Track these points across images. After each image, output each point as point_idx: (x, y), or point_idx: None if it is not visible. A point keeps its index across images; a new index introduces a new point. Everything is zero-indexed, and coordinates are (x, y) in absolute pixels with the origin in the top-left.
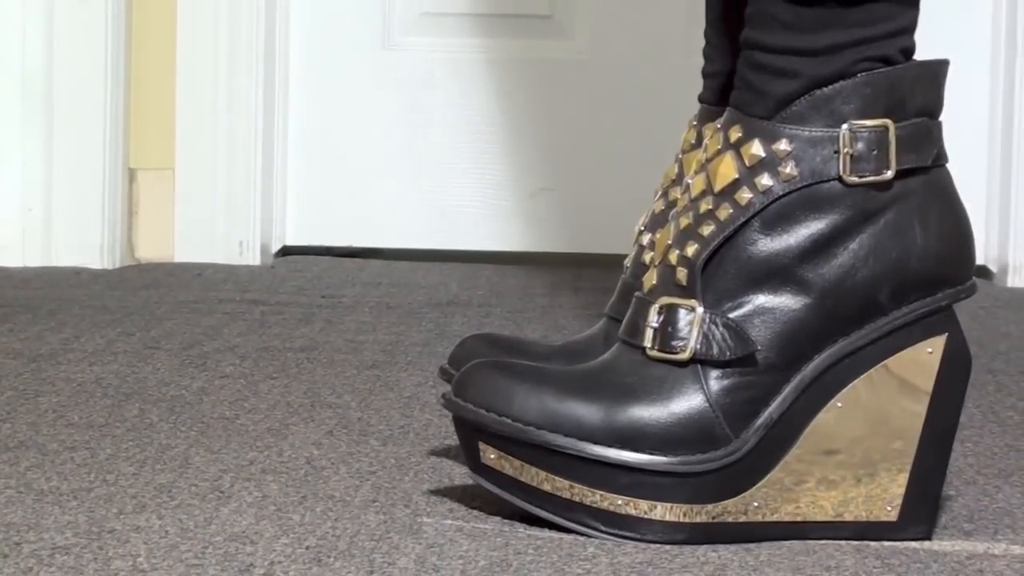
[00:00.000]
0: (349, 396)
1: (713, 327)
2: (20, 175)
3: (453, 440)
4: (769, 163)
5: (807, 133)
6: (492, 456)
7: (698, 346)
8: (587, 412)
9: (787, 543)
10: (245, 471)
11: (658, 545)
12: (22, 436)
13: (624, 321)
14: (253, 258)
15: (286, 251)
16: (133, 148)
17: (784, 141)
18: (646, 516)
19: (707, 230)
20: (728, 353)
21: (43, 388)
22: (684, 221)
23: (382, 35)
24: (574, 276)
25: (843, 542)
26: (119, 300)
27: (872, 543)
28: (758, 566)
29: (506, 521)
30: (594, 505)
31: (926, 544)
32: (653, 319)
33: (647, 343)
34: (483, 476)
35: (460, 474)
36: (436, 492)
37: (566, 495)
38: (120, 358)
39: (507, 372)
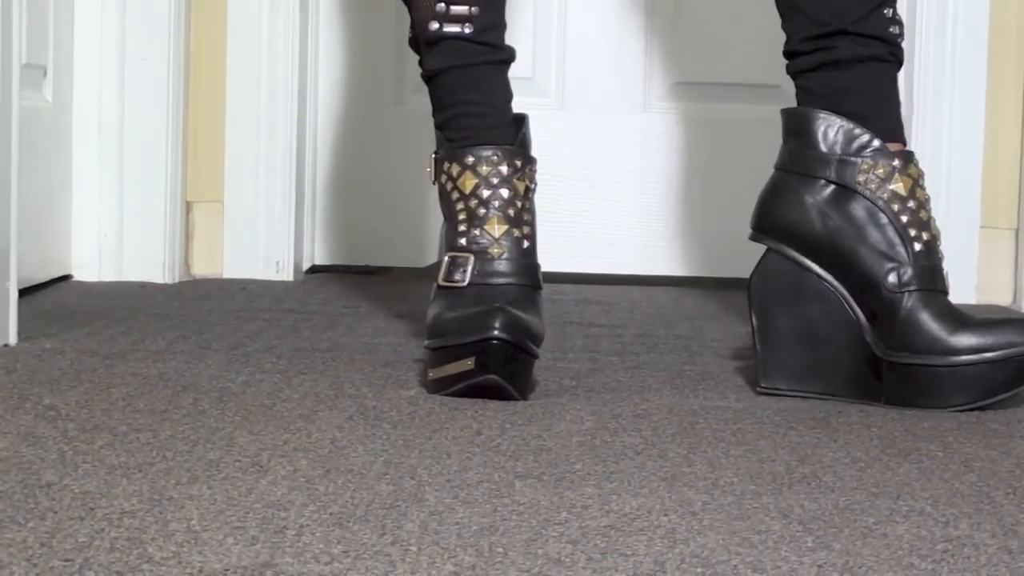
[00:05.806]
0: (366, 388)
1: None
2: (97, 206)
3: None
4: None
5: None
6: None
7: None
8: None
9: (725, 509)
10: (280, 449)
11: (619, 511)
12: (97, 420)
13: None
14: (287, 275)
15: (314, 269)
16: (190, 184)
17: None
18: None
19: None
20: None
21: (115, 381)
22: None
23: (394, 93)
24: (552, 290)
25: (772, 509)
26: (178, 309)
27: (796, 509)
28: (702, 529)
29: (494, 491)
30: None
31: (841, 508)
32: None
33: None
34: None
35: (456, 451)
36: (437, 467)
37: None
38: (178, 357)
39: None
